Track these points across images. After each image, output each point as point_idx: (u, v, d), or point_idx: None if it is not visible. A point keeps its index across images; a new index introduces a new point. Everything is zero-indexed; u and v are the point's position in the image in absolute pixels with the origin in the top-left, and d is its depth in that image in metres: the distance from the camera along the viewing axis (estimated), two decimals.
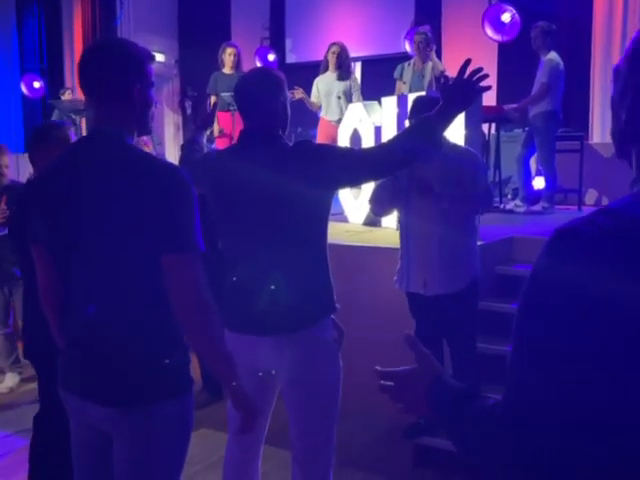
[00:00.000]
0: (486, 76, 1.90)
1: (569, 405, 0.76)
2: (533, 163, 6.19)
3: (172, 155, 9.06)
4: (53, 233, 1.59)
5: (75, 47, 9.78)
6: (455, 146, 3.23)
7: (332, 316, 2.09)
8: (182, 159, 2.24)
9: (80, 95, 9.21)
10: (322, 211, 2.03)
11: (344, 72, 5.93)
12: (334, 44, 5.97)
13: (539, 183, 6.07)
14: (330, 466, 2.13)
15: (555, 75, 5.51)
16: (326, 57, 5.99)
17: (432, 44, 6.08)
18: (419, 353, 1.10)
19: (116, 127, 1.54)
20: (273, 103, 2.00)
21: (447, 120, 1.92)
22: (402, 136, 1.99)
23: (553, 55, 5.56)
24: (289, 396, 2.07)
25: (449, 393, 1.01)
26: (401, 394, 1.09)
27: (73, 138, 2.57)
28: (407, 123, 3.50)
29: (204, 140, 2.31)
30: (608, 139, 7.22)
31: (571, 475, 0.78)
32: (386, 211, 3.32)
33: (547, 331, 0.78)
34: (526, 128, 6.03)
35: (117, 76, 1.53)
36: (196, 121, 2.37)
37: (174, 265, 1.48)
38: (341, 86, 5.90)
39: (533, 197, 5.89)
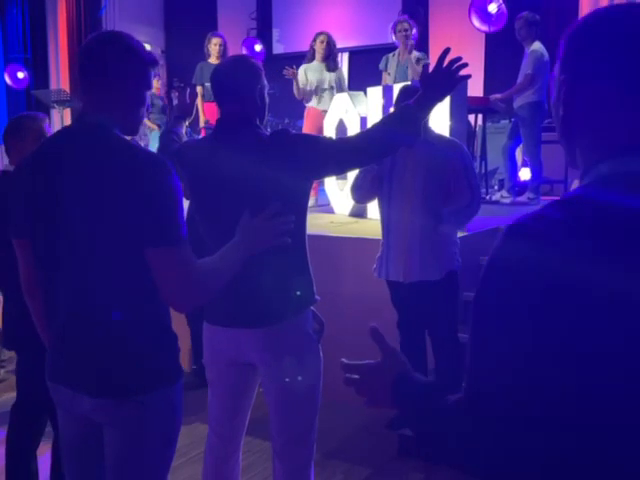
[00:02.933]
0: (465, 65, 1.89)
1: (524, 390, 0.78)
2: (519, 154, 6.20)
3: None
4: (36, 226, 1.57)
5: (59, 37, 9.67)
6: (440, 137, 3.22)
7: (312, 308, 2.07)
8: (159, 150, 2.22)
9: (64, 86, 9.14)
10: (300, 202, 2.01)
11: (332, 62, 5.90)
12: (321, 33, 5.92)
13: (525, 174, 6.08)
14: (311, 459, 2.12)
15: (539, 66, 5.51)
16: (312, 46, 5.93)
17: (413, 35, 6.03)
18: (384, 347, 1.10)
19: (104, 117, 1.52)
20: (250, 90, 1.97)
21: (427, 108, 1.91)
22: (382, 124, 1.97)
23: (538, 46, 5.56)
24: (269, 389, 2.06)
25: (414, 389, 1.01)
26: (366, 388, 1.10)
27: (48, 130, 2.53)
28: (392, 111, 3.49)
29: (183, 130, 2.28)
30: None
31: (538, 464, 0.79)
32: (366, 198, 3.32)
33: (502, 324, 0.79)
34: (512, 119, 6.03)
35: (112, 75, 1.52)
36: (175, 111, 2.34)
37: (159, 259, 1.47)
38: (332, 77, 5.88)
39: (519, 188, 5.90)
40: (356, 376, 1.11)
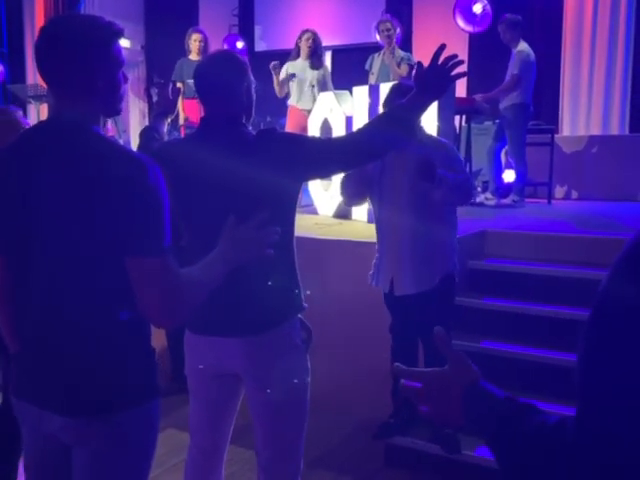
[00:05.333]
0: (461, 62, 1.83)
1: None
2: (503, 156, 6.16)
3: (137, 143, 8.83)
4: (5, 226, 1.45)
5: (37, 31, 9.42)
6: (430, 136, 3.14)
7: (300, 316, 1.98)
8: (139, 148, 2.11)
9: (41, 80, 8.93)
10: (288, 205, 1.91)
11: (316, 60, 5.82)
12: (307, 31, 5.84)
13: (509, 176, 6.04)
14: (298, 474, 2.03)
15: (526, 67, 5.47)
16: (297, 44, 5.85)
17: (397, 35, 5.98)
18: (452, 353, 0.96)
19: (79, 113, 1.40)
20: (236, 87, 1.88)
21: (421, 108, 1.83)
22: (374, 125, 1.89)
23: (524, 46, 5.52)
24: (254, 401, 1.96)
25: (492, 404, 0.88)
26: (430, 399, 0.95)
27: (26, 123, 2.40)
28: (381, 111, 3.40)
29: (164, 128, 2.17)
30: (578, 132, 7.26)
31: None
32: (357, 202, 3.23)
33: (626, 342, 0.69)
34: (497, 120, 5.99)
35: (77, 61, 1.38)
36: (156, 108, 2.23)
37: (140, 270, 1.35)
38: (315, 75, 5.79)
39: (503, 190, 5.86)
40: (416, 384, 0.96)
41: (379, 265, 3.03)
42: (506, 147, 5.86)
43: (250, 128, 1.95)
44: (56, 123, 1.43)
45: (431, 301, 2.95)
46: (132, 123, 9.87)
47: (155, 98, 8.76)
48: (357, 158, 1.94)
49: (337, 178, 4.03)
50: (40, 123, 1.52)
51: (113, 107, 1.48)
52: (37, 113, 7.45)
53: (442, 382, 0.94)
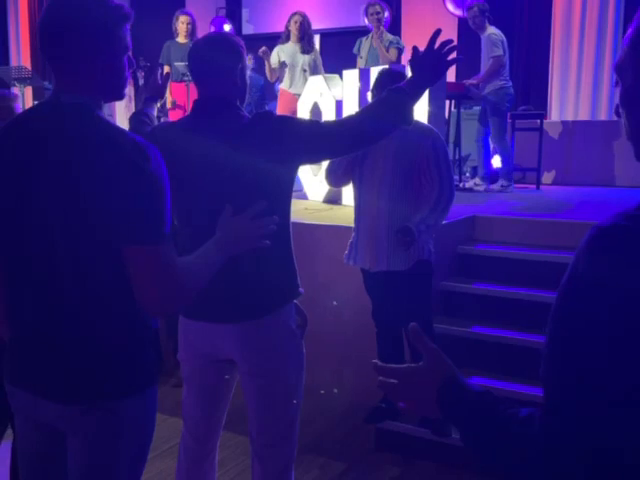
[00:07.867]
0: (455, 48, 1.83)
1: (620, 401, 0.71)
2: (492, 141, 6.16)
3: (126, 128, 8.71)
4: (1, 212, 1.41)
5: (20, 12, 9.30)
6: (416, 122, 3.12)
7: (295, 301, 1.97)
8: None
9: (25, 62, 8.79)
10: (284, 190, 1.90)
11: (307, 44, 5.77)
12: (296, 14, 5.79)
13: (498, 161, 6.05)
14: (292, 461, 2.02)
15: (504, 47, 5.54)
16: (287, 27, 5.81)
17: (386, 18, 5.96)
18: (427, 348, 0.98)
19: (80, 96, 1.36)
20: (231, 70, 1.84)
21: (418, 93, 1.83)
22: (370, 111, 1.87)
23: (493, 29, 5.59)
24: (249, 387, 1.95)
25: (466, 398, 0.91)
26: (406, 393, 0.99)
27: (18, 110, 2.35)
28: (369, 96, 3.38)
29: (154, 112, 2.14)
30: (566, 118, 7.28)
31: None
32: (342, 182, 3.24)
33: (590, 330, 0.72)
34: (482, 105, 5.99)
35: (82, 42, 1.34)
36: (146, 92, 2.19)
37: (138, 258, 1.32)
38: (306, 59, 5.74)
39: (492, 175, 5.87)
40: (393, 380, 1.00)
41: (356, 244, 3.06)
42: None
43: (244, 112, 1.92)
44: (56, 106, 1.39)
45: (407, 284, 2.96)
46: (117, 107, 9.74)
47: (141, 81, 8.64)
48: (354, 144, 1.92)
49: (325, 162, 4.01)
50: (38, 105, 1.47)
51: (117, 92, 1.44)
52: (21, 96, 7.33)
53: (418, 378, 0.97)
